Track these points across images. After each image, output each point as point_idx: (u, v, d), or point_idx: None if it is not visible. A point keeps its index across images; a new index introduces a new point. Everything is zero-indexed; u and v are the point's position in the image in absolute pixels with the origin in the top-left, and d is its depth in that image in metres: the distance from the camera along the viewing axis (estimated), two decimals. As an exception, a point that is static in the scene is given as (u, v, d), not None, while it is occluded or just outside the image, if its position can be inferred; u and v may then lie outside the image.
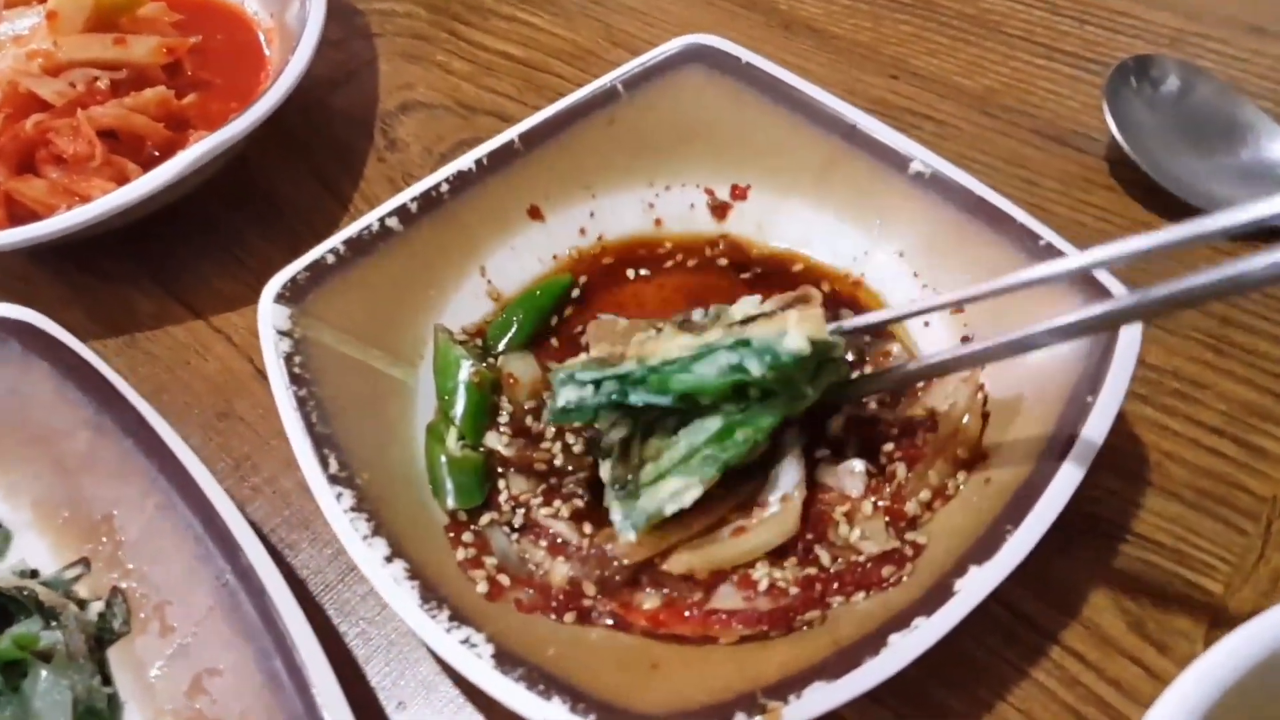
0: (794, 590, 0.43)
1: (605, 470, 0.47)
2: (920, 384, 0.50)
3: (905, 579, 0.43)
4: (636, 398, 0.45)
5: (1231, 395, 0.53)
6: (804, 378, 0.44)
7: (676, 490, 0.44)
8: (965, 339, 0.51)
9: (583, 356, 0.51)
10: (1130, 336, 0.44)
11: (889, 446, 0.48)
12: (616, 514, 0.45)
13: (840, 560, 0.45)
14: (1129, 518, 0.48)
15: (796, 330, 0.43)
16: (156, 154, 0.68)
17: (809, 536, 0.46)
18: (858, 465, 0.47)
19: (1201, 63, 0.69)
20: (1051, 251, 0.49)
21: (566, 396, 0.46)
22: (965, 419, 0.47)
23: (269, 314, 0.49)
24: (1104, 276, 0.46)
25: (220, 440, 0.56)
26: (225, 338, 0.61)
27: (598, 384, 0.46)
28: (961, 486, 0.46)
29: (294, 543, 0.52)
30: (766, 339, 0.43)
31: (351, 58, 0.79)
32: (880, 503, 0.46)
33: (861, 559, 0.44)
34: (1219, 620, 0.45)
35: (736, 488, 0.46)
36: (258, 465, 0.55)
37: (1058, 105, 0.69)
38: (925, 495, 0.46)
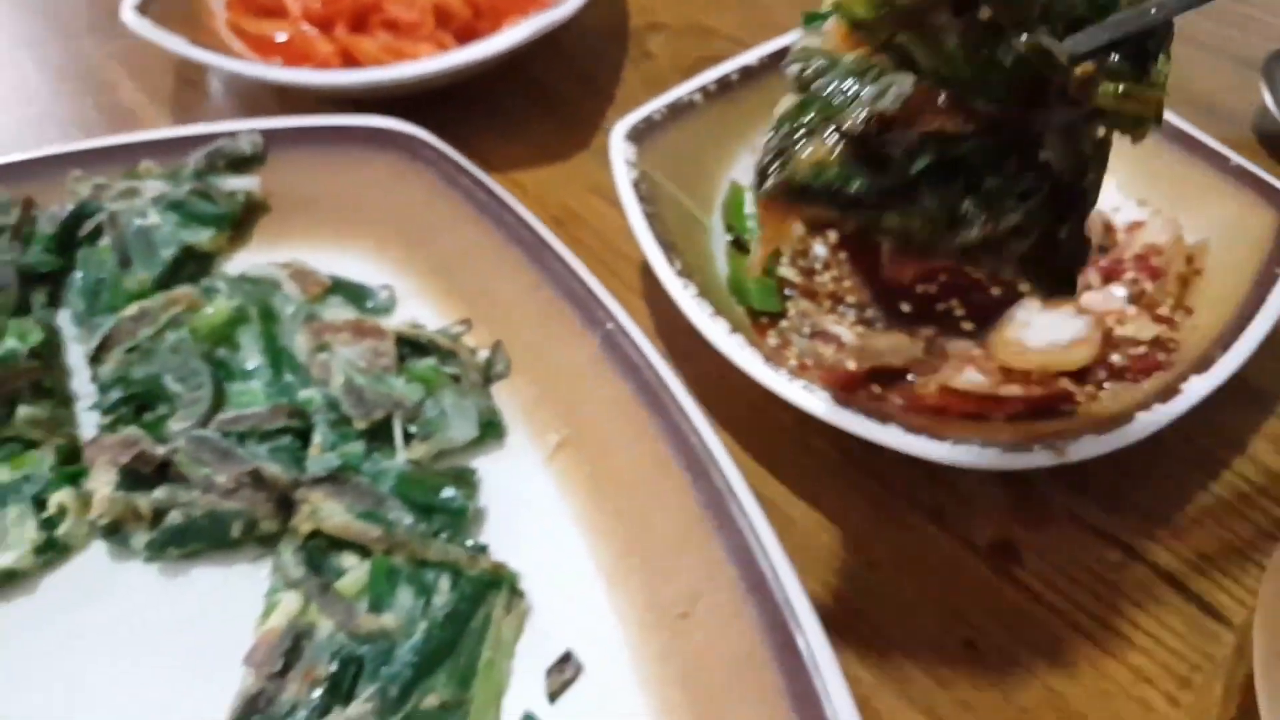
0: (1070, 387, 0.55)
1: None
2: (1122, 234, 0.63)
3: (1174, 363, 0.55)
4: None
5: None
6: None
7: None
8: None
9: None
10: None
11: (1130, 275, 0.61)
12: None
13: (1125, 356, 0.56)
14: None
15: None
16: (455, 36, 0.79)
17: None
18: (1118, 290, 0.60)
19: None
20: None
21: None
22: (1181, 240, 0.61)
23: (620, 148, 0.61)
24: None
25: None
26: (520, 188, 0.72)
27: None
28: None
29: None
30: None
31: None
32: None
33: (1141, 351, 0.56)
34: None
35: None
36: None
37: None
38: (1172, 300, 0.58)
